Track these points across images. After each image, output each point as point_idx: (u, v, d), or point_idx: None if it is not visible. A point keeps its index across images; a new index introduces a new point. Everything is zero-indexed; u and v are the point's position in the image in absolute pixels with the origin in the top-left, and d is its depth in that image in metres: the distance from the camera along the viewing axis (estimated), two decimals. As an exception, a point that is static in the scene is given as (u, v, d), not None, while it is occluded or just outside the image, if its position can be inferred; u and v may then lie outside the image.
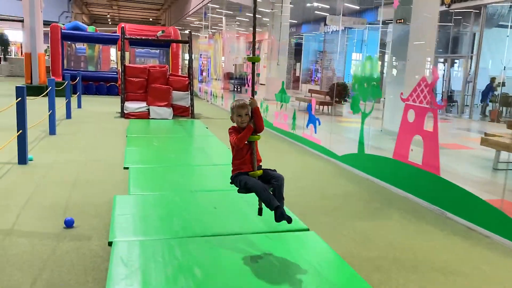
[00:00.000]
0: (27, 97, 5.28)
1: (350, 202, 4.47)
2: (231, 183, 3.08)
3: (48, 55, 17.39)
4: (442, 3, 12.96)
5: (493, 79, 13.25)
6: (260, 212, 3.08)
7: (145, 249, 3.01)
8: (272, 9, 15.72)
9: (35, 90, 12.23)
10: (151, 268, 2.72)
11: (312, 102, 7.15)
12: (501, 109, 13.01)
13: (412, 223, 3.95)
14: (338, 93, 12.35)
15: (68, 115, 9.38)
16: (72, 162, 5.54)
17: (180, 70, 17.79)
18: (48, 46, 16.64)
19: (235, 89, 16.98)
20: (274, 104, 8.86)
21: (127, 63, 12.36)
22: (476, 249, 3.43)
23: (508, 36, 12.19)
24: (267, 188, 2.88)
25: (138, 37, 13.20)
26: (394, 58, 9.31)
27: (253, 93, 3.11)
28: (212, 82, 16.72)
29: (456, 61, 15.43)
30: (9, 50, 26.42)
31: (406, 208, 4.36)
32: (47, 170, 5.07)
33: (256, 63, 3.21)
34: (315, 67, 23.93)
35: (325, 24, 18.98)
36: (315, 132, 6.93)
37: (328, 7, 16.35)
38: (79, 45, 19.08)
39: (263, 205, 3.00)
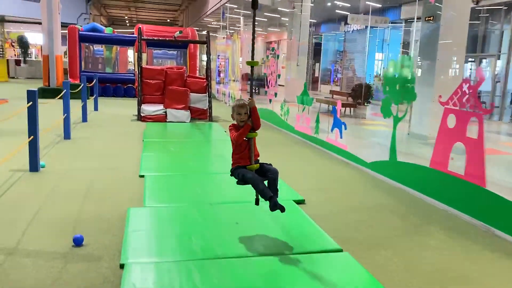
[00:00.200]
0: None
1: (385, 217, 4.06)
2: (231, 175, 3.30)
3: (66, 57, 17.34)
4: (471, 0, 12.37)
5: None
6: (257, 202, 3.31)
7: (160, 274, 2.70)
8: (293, 8, 15.29)
9: (53, 93, 12.10)
10: (167, 299, 2.40)
11: (338, 104, 6.73)
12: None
13: (457, 242, 3.52)
14: (361, 94, 11.90)
15: (84, 118, 9.17)
16: (86, 169, 5.27)
17: (197, 71, 17.53)
18: (66, 48, 16.58)
19: (254, 91, 16.58)
20: (294, 106, 8.45)
21: (144, 64, 12.14)
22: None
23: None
24: (262, 181, 3.13)
25: (155, 38, 12.99)
26: (421, 57, 8.82)
27: (252, 93, 3.36)
28: (230, 83, 16.38)
29: (482, 60, 14.75)
30: (29, 52, 26.59)
31: (448, 223, 3.93)
32: (59, 178, 4.81)
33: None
34: (334, 67, 23.39)
35: (346, 23, 18.49)
36: (341, 137, 6.52)
37: (349, 5, 15.89)
38: (97, 47, 18.99)
39: (259, 196, 3.25)
